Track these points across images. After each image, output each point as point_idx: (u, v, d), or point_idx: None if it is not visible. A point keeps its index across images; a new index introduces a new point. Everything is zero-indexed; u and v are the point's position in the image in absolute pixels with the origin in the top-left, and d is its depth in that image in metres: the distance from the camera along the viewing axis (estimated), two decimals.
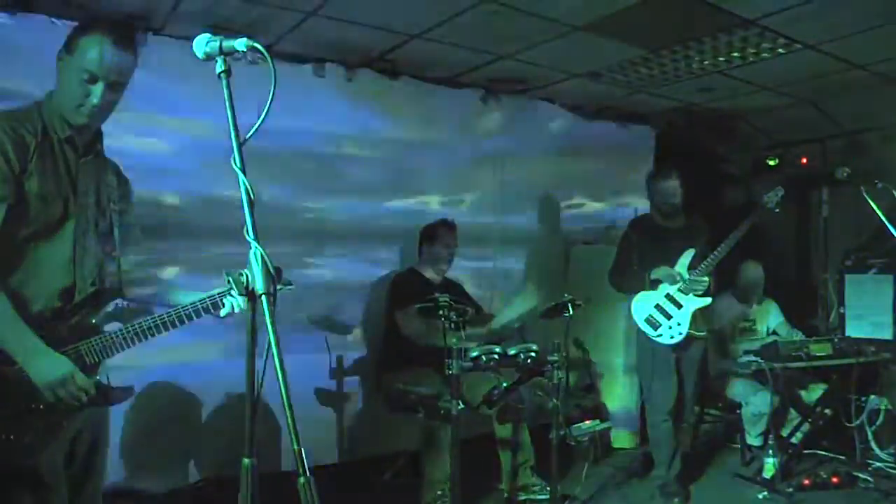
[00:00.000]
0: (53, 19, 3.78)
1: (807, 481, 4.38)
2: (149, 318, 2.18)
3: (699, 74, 4.93)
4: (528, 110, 5.58)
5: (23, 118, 2.13)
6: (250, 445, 1.56)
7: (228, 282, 1.49)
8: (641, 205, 6.09)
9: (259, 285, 1.45)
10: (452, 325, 3.58)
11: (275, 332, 1.40)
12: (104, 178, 2.30)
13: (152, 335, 2.18)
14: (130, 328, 2.16)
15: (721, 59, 4.60)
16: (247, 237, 1.47)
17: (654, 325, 4.22)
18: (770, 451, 4.38)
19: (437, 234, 4.51)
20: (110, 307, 2.31)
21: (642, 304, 4.28)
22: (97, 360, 2.14)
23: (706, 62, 4.69)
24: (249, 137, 1.56)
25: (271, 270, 1.47)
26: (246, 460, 1.56)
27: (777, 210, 4.35)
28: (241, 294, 1.50)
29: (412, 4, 3.81)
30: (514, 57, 4.64)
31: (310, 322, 4.50)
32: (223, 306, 2.19)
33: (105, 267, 2.30)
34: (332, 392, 4.70)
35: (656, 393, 4.33)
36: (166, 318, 2.18)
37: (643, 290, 4.28)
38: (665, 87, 5.29)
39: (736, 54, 4.51)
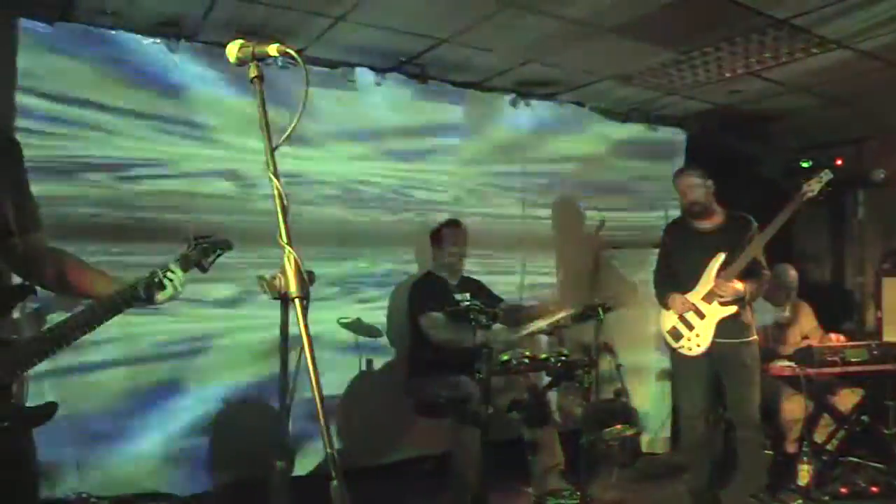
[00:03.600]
0: (90, 27, 3.86)
1: (844, 489, 4.30)
2: (71, 315, 1.85)
3: (731, 76, 4.88)
4: (558, 113, 5.56)
5: None
6: (282, 448, 1.58)
7: (261, 286, 1.49)
8: (672, 208, 6.05)
9: (292, 289, 1.46)
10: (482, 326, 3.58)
11: (308, 335, 1.40)
12: None
13: (77, 336, 1.83)
14: (50, 332, 1.80)
15: (753, 60, 4.55)
16: (280, 241, 1.48)
17: (677, 337, 4.15)
18: (805, 458, 4.31)
19: (443, 236, 4.51)
20: (24, 308, 1.96)
21: (668, 315, 4.22)
22: (8, 379, 1.74)
23: (738, 64, 4.64)
24: (282, 143, 1.57)
25: (304, 274, 1.47)
26: (278, 463, 1.57)
27: (821, 198, 4.02)
28: (274, 298, 1.49)
29: (441, 8, 3.82)
30: (543, 60, 4.63)
31: (340, 325, 4.52)
32: (164, 288, 1.97)
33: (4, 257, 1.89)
34: (361, 394, 4.72)
35: (685, 398, 4.27)
36: (98, 312, 1.85)
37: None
38: (696, 90, 5.25)
39: (768, 55, 4.46)
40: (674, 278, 4.25)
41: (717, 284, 3.96)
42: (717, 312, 4.02)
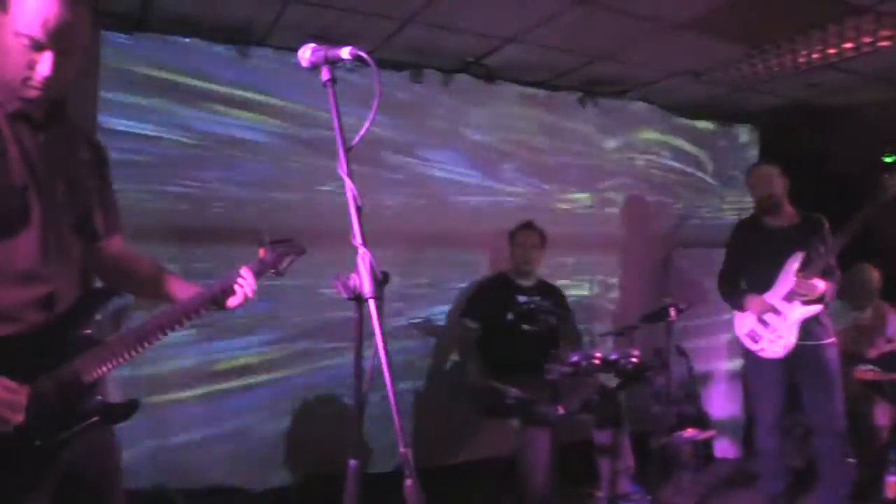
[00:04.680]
0: (166, 36, 3.98)
1: None
2: (153, 317, 1.90)
3: (806, 69, 4.71)
4: (626, 112, 5.49)
5: None
6: (356, 446, 1.59)
7: (336, 286, 1.51)
8: (745, 207, 5.90)
9: (366, 289, 1.48)
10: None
11: (382, 335, 1.41)
12: (74, 152, 1.87)
13: (159, 338, 1.89)
14: (134, 333, 1.86)
15: (831, 51, 4.38)
16: (354, 242, 1.50)
17: (755, 339, 4.00)
18: (892, 469, 4.11)
19: (515, 237, 4.54)
20: (107, 308, 1.95)
21: (744, 316, 4.08)
22: (97, 376, 1.79)
23: (814, 56, 4.48)
24: (355, 144, 1.59)
25: (378, 275, 1.49)
26: (352, 461, 1.58)
27: None
28: (348, 298, 1.50)
29: (508, 8, 3.81)
30: (611, 58, 4.57)
31: (409, 324, 4.57)
32: (234, 293, 2.02)
33: (100, 260, 1.95)
34: (429, 394, 4.75)
35: (761, 402, 4.13)
36: (177, 314, 1.92)
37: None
38: (769, 84, 5.09)
39: (849, 45, 4.28)
40: (744, 278, 4.13)
41: (799, 283, 3.82)
42: (798, 313, 3.88)
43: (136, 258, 2.11)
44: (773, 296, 3.95)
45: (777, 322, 3.93)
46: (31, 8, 1.60)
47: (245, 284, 2.05)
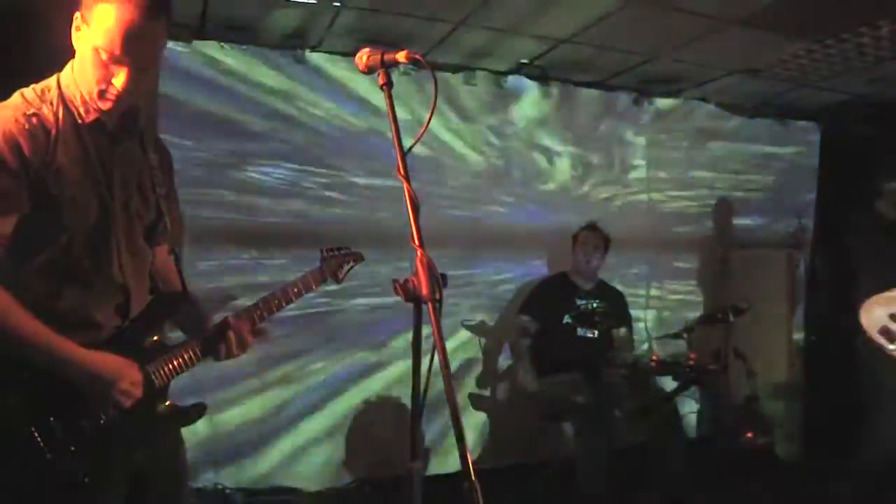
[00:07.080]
0: (223, 44, 4.06)
1: None
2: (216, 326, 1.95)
3: (873, 63, 4.56)
4: (683, 111, 5.40)
5: (38, 99, 1.72)
6: (415, 448, 1.59)
7: (394, 289, 1.50)
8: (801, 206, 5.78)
9: (425, 292, 1.47)
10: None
11: (440, 338, 1.41)
12: (145, 159, 1.91)
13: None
14: (198, 340, 1.93)
15: None
16: (413, 244, 1.50)
17: (892, 338, 3.65)
18: None
19: (578, 239, 4.50)
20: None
21: (876, 312, 3.71)
22: (167, 381, 1.86)
23: (881, 49, 4.32)
24: (413, 147, 1.60)
25: (437, 277, 1.48)
26: (410, 462, 1.58)
27: None
28: (407, 300, 1.50)
29: (562, 8, 3.78)
30: (666, 57, 4.50)
31: (462, 326, 4.57)
32: (220, 345, 1.98)
33: (159, 265, 2.00)
34: (484, 397, 4.75)
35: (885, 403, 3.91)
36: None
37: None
38: (832, 80, 4.94)
39: None
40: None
41: None
42: None
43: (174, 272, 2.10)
44: None
45: None
46: (112, 23, 1.63)
47: (233, 337, 1.95)
